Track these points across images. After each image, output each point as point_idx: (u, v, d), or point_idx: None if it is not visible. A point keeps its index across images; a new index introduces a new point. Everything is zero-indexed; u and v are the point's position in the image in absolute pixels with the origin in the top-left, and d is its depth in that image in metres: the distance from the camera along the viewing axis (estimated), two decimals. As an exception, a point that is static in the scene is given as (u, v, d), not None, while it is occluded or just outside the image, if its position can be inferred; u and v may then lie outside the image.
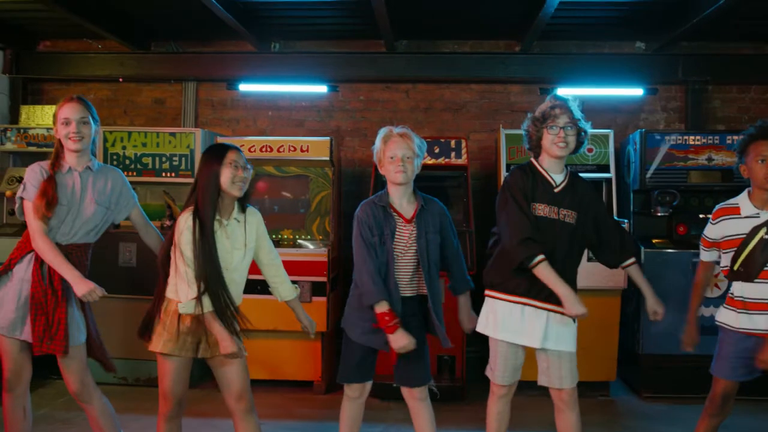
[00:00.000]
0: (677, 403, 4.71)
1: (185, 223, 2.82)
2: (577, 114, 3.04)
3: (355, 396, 3.26)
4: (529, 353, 3.17)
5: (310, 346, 4.87)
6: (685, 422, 4.18)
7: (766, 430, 4.28)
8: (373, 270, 3.01)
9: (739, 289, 3.06)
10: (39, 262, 3.03)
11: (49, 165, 3.09)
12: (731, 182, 4.93)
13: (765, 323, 2.95)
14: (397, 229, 3.10)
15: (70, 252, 3.07)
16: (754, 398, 4.43)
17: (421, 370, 3.18)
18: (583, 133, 3.06)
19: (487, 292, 3.17)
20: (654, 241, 5.06)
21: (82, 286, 2.94)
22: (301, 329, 3.28)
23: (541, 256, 2.89)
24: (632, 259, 3.13)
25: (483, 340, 5.02)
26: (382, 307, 2.96)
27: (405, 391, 3.22)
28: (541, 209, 3.02)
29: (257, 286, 3.29)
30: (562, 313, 2.98)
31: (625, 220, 4.92)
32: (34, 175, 3.06)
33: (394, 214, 3.11)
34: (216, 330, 2.81)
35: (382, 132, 3.16)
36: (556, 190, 3.05)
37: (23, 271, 3.05)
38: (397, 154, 3.06)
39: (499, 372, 3.13)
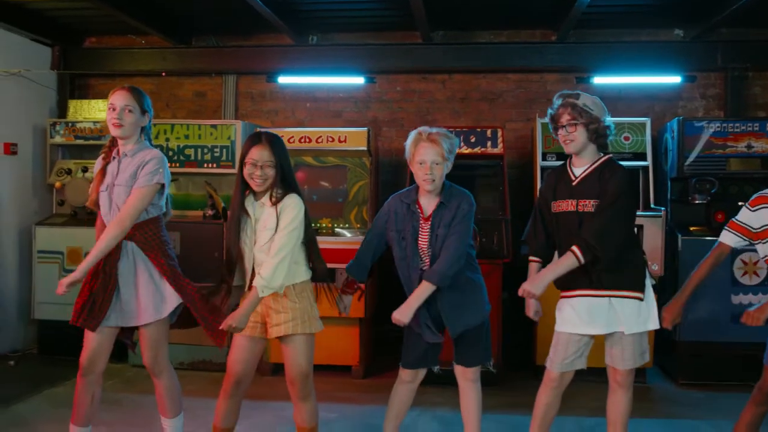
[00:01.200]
0: (714, 390, 4.70)
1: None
2: (580, 108, 3.04)
3: (408, 380, 3.34)
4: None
5: (348, 332, 4.99)
6: (722, 410, 4.19)
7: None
8: (363, 247, 3.41)
9: None
10: None
11: (102, 152, 3.27)
12: None
13: None
14: (420, 227, 3.19)
15: (130, 235, 3.15)
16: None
17: (478, 352, 3.26)
18: (596, 124, 3.04)
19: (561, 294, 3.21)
20: (691, 228, 5.05)
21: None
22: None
23: (531, 258, 3.33)
24: (576, 249, 2.97)
25: (521, 328, 5.10)
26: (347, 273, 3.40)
27: (458, 370, 3.30)
28: (562, 205, 3.11)
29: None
30: (624, 296, 3.03)
31: (663, 208, 4.90)
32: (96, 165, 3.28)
33: (418, 211, 3.20)
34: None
35: (413, 135, 3.22)
36: (573, 184, 3.11)
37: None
38: (426, 161, 3.12)
39: (557, 357, 3.13)
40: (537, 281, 3.02)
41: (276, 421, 4.05)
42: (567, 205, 3.09)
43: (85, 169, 5.64)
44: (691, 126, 5.05)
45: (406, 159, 3.26)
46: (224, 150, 5.38)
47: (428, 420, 4.15)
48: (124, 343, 3.42)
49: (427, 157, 3.11)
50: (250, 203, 3.06)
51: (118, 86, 3.24)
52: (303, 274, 3.08)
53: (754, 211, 3.07)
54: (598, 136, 3.07)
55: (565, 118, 3.07)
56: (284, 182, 3.03)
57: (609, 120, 3.11)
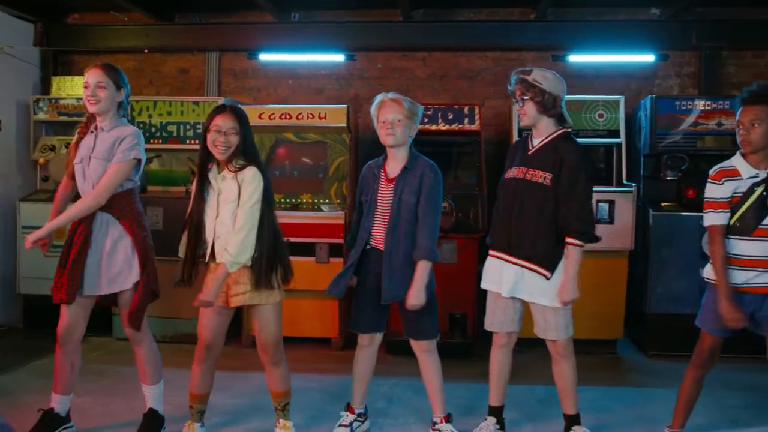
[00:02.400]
0: (681, 360, 4.77)
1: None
2: (530, 82, 3.19)
3: (365, 344, 3.50)
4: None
5: (327, 306, 5.11)
6: (686, 377, 4.35)
7: (754, 385, 4.43)
8: (354, 226, 3.47)
9: (734, 246, 3.09)
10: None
11: (78, 127, 3.38)
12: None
13: (759, 279, 3.03)
14: (380, 188, 3.35)
15: (111, 204, 3.26)
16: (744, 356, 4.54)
17: (428, 324, 3.40)
18: (544, 96, 3.17)
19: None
20: (663, 204, 5.19)
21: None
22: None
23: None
24: (571, 240, 3.17)
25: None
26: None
27: (414, 344, 3.45)
28: (513, 172, 3.30)
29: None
30: (533, 270, 3.22)
31: (634, 184, 5.03)
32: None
33: (381, 174, 3.36)
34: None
35: (377, 99, 3.38)
36: (529, 153, 3.29)
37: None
38: (388, 118, 3.28)
39: (488, 318, 3.41)
40: (569, 286, 3.17)
41: (255, 390, 4.17)
42: (517, 172, 3.27)
43: (68, 146, 5.68)
44: (663, 104, 5.17)
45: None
46: (206, 126, 5.44)
47: (404, 389, 4.30)
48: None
49: (389, 115, 3.27)
50: (213, 175, 3.15)
51: (94, 64, 3.34)
52: None
53: (721, 184, 3.11)
54: (546, 108, 3.20)
55: (517, 94, 3.24)
56: (245, 153, 3.12)
57: (563, 93, 3.24)
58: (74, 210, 3.19)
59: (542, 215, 3.19)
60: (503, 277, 3.28)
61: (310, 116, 5.26)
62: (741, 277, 3.07)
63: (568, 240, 3.16)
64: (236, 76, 6.60)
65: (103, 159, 3.25)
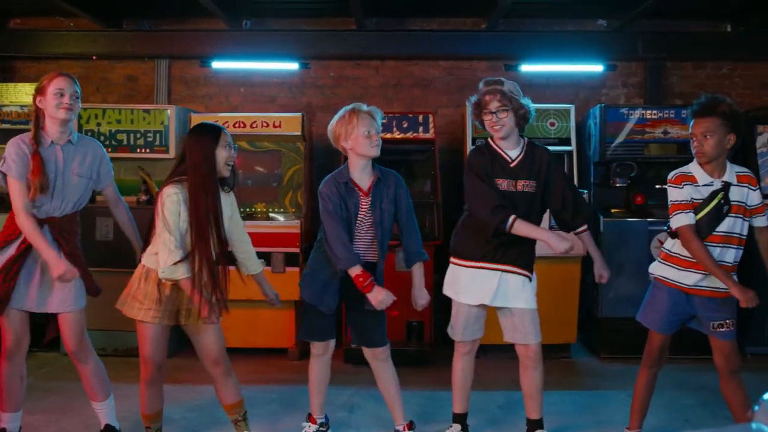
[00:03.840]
0: (632, 363, 4.89)
1: (172, 195, 2.95)
2: (508, 95, 3.24)
3: (319, 353, 3.48)
4: (494, 317, 3.41)
5: (283, 315, 5.06)
6: (637, 379, 4.46)
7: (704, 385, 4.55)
8: (345, 238, 3.21)
9: (681, 246, 3.17)
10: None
11: (31, 139, 3.18)
12: (686, 154, 5.03)
13: (704, 282, 3.13)
14: (360, 202, 3.31)
15: (63, 224, 3.21)
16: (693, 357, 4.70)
17: (381, 332, 3.42)
18: (523, 109, 3.26)
19: (451, 259, 3.45)
20: (613, 210, 5.32)
21: (59, 268, 3.08)
22: (267, 301, 3.43)
23: (513, 216, 3.12)
24: (583, 227, 3.37)
25: (448, 308, 5.23)
26: (355, 270, 3.17)
27: (368, 353, 3.45)
28: (502, 184, 3.28)
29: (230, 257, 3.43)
30: (515, 272, 3.26)
31: (585, 191, 5.14)
32: (15, 149, 3.13)
33: (355, 188, 3.30)
34: (195, 297, 2.96)
35: (348, 111, 3.36)
36: (512, 165, 3.30)
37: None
38: (371, 131, 3.26)
39: (459, 329, 3.42)
40: (604, 263, 3.44)
41: (210, 404, 4.07)
42: (507, 185, 3.28)
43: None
44: (612, 113, 5.30)
45: (335, 139, 3.38)
46: (158, 135, 5.35)
47: (364, 398, 4.28)
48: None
49: (372, 128, 3.27)
50: None
51: (55, 72, 3.26)
52: None
53: (681, 187, 3.14)
54: (523, 120, 3.29)
55: (494, 105, 3.23)
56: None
57: (530, 104, 3.31)
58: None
59: (530, 221, 3.23)
60: (484, 286, 3.30)
61: (265, 125, 5.22)
62: (690, 278, 3.17)
63: (580, 229, 3.36)
64: (187, 84, 6.50)
65: (87, 177, 3.30)
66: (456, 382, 3.52)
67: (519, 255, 3.30)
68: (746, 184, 3.15)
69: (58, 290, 3.23)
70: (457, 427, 3.52)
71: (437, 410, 3.99)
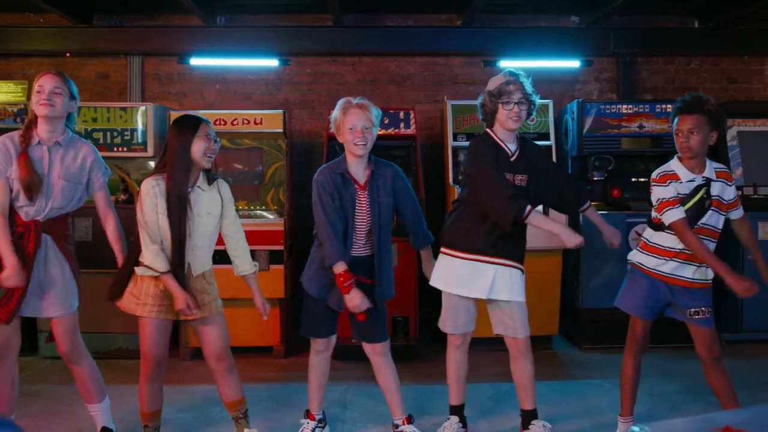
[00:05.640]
0: (613, 352, 5.02)
1: (148, 188, 3.00)
2: (529, 89, 3.30)
3: (320, 349, 3.48)
4: (483, 310, 3.45)
5: (269, 313, 5.01)
6: (619, 368, 4.55)
7: (687, 372, 4.68)
8: (332, 232, 3.20)
9: (664, 238, 3.26)
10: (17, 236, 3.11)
11: (20, 137, 3.13)
12: (660, 147, 5.33)
13: (679, 272, 3.24)
14: (358, 195, 3.30)
15: (49, 227, 3.15)
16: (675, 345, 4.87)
17: (382, 327, 3.43)
18: (532, 106, 3.33)
19: (443, 250, 3.45)
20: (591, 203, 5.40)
21: (9, 278, 3.02)
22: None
23: (529, 207, 3.13)
24: (587, 204, 3.49)
25: (434, 302, 5.27)
26: (339, 268, 3.18)
27: (368, 348, 3.45)
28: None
29: (215, 256, 3.40)
30: (511, 266, 3.31)
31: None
32: (2, 148, 3.09)
33: (351, 180, 3.29)
34: (171, 288, 2.99)
35: (341, 102, 3.31)
36: (512, 159, 3.33)
37: None
38: (357, 126, 3.21)
39: (450, 322, 3.45)
40: (614, 230, 3.47)
41: (202, 404, 4.08)
42: (509, 179, 3.30)
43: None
44: (589, 107, 5.39)
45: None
46: (135, 133, 5.27)
47: (356, 393, 4.29)
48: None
49: (359, 122, 3.21)
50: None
51: (47, 70, 3.24)
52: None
53: (666, 185, 3.21)
54: (527, 117, 3.36)
55: (518, 96, 3.24)
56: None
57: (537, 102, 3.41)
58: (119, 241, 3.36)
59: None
60: (479, 279, 3.31)
61: (246, 122, 5.17)
62: (667, 267, 3.27)
63: (586, 206, 3.49)
64: (161, 81, 6.42)
65: (75, 182, 3.22)
66: (451, 375, 3.55)
67: (514, 248, 3.34)
68: (723, 180, 3.26)
69: (50, 295, 3.17)
70: (454, 418, 3.55)
71: (428, 403, 4.02)
